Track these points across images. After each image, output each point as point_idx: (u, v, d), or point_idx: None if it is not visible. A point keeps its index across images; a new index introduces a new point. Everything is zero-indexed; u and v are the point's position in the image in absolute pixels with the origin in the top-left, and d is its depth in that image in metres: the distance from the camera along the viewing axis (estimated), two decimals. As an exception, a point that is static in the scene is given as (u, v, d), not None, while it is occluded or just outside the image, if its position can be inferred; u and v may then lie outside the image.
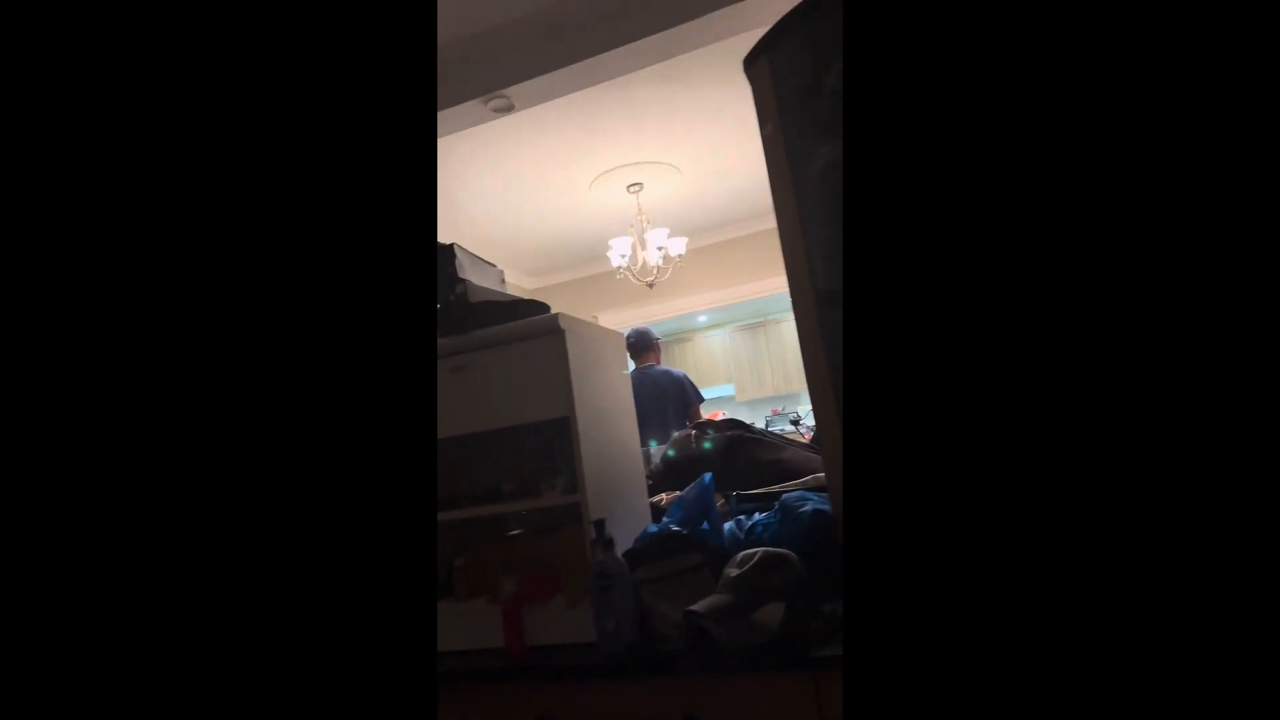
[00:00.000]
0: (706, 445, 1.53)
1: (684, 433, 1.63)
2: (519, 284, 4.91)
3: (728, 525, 1.14)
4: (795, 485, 1.30)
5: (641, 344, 3.25)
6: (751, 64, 1.01)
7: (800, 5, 0.92)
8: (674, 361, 6.74)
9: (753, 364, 6.50)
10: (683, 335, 6.79)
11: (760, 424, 3.54)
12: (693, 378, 3.43)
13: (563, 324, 1.08)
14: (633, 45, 2.02)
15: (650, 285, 3.86)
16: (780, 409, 6.01)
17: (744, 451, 1.49)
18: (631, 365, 3.22)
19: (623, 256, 3.71)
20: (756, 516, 1.14)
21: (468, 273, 1.31)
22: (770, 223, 1.00)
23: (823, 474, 1.24)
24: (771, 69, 0.98)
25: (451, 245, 1.30)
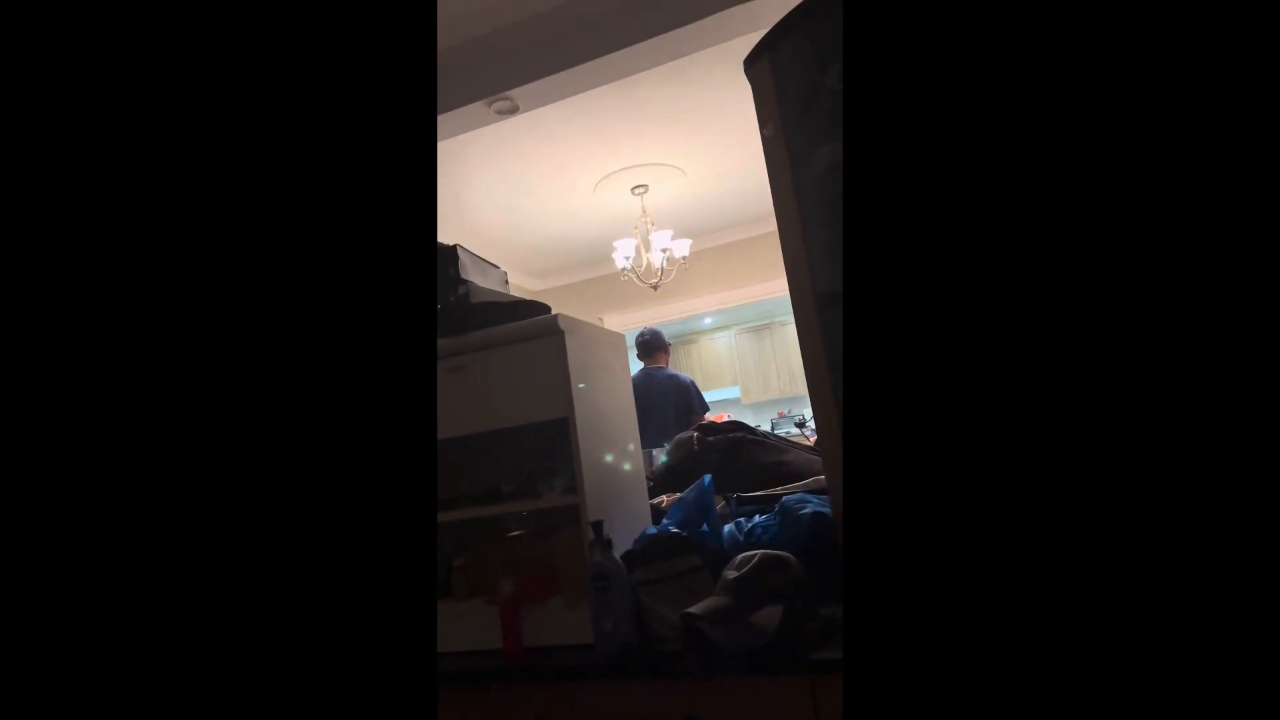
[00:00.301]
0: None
1: (685, 435, 1.63)
2: (524, 286, 4.92)
3: (727, 527, 1.14)
4: (795, 488, 1.30)
5: (655, 343, 3.23)
6: (752, 64, 1.01)
7: (801, 5, 0.92)
8: (679, 364, 6.74)
9: (758, 366, 6.49)
10: (688, 337, 6.78)
11: (766, 426, 3.53)
12: (700, 382, 3.41)
13: (562, 325, 1.08)
14: (636, 47, 2.02)
15: (655, 287, 3.86)
16: (786, 411, 5.99)
17: (745, 454, 1.49)
18: (639, 365, 3.20)
19: (627, 258, 3.71)
20: (756, 519, 1.14)
21: (470, 274, 1.32)
22: (776, 224, 1.00)
23: (823, 476, 1.24)
24: (772, 69, 0.98)
25: (455, 247, 1.30)
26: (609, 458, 1.16)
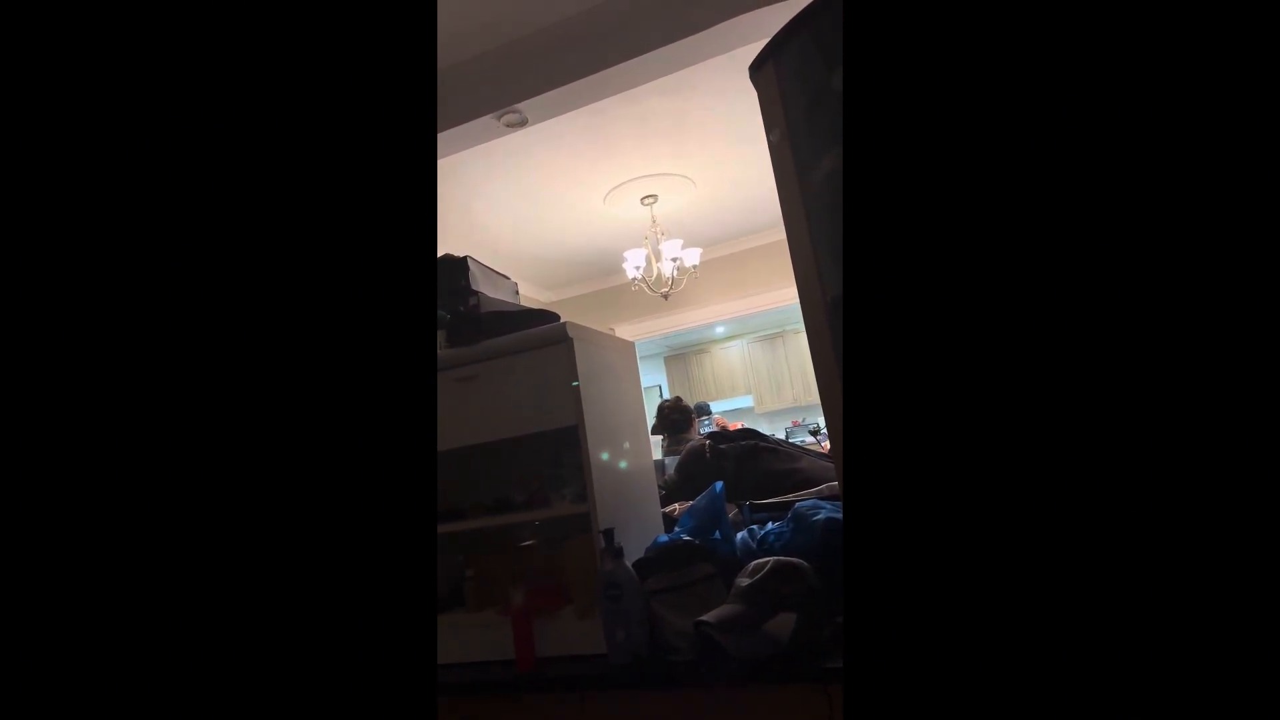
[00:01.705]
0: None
1: (697, 443, 1.63)
2: (536, 297, 4.94)
3: (740, 535, 1.13)
4: (809, 494, 1.29)
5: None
6: (757, 70, 1.01)
7: (805, 9, 0.92)
8: (692, 372, 6.74)
9: (771, 375, 6.47)
10: (700, 347, 6.78)
11: (780, 435, 3.52)
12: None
13: (571, 333, 1.09)
14: (643, 58, 2.04)
15: (665, 297, 3.87)
16: (801, 420, 5.96)
17: (758, 461, 1.48)
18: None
19: (637, 268, 3.72)
20: (769, 526, 1.13)
21: (481, 285, 1.33)
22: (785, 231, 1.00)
23: (837, 483, 1.23)
24: (777, 75, 0.99)
25: (465, 258, 1.31)
26: (620, 465, 1.16)
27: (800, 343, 6.17)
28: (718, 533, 1.10)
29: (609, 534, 0.97)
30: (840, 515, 1.03)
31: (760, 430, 1.70)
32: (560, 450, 1.14)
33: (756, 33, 1.98)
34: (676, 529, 1.15)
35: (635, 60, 2.05)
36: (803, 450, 1.60)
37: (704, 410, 4.73)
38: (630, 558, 1.00)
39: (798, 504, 1.11)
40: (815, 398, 6.03)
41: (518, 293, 1.48)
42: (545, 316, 1.21)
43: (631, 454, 1.23)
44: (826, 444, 2.92)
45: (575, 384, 1.06)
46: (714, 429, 3.48)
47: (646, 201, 3.67)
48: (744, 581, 0.92)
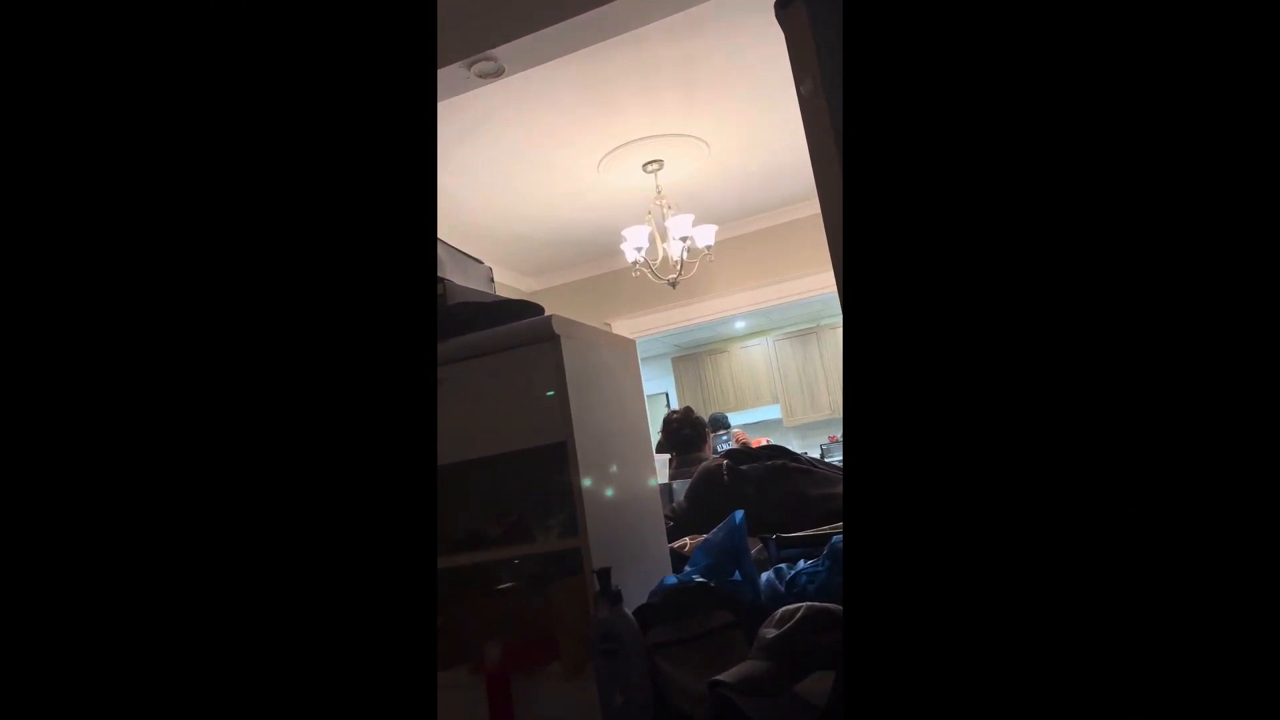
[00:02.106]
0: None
1: (713, 462, 1.63)
2: (515, 286, 4.96)
3: (765, 576, 1.14)
4: (850, 526, 1.29)
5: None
6: (785, 8, 1.02)
7: (841, -66, 0.92)
8: (706, 377, 6.76)
9: (803, 380, 6.49)
10: (716, 345, 6.80)
11: (814, 454, 3.54)
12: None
13: (558, 328, 1.09)
14: (645, -7, 2.05)
15: (673, 284, 3.88)
16: (838, 435, 5.97)
17: (787, 484, 1.49)
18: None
19: (638, 249, 3.73)
20: (800, 564, 1.13)
21: (448, 271, 1.33)
22: (818, 204, 1.00)
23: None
24: (809, 14, 0.99)
25: (428, 238, 1.32)
26: (617, 491, 1.16)
27: (838, 340, 6.18)
28: (738, 573, 1.11)
29: (604, 574, 0.97)
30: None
31: (789, 448, 1.70)
32: (545, 473, 1.14)
33: (783, -37, 1.98)
34: (687, 568, 1.16)
35: (636, -4, 2.05)
36: (841, 472, 1.60)
37: (720, 423, 4.74)
38: (631, 604, 1.01)
39: (835, 538, 1.12)
40: (856, 407, 6.04)
41: (492, 280, 1.49)
42: (526, 309, 1.22)
43: (632, 477, 1.23)
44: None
45: (550, 394, 1.06)
46: (733, 446, 3.48)
47: (650, 168, 3.69)
48: (770, 632, 0.92)
